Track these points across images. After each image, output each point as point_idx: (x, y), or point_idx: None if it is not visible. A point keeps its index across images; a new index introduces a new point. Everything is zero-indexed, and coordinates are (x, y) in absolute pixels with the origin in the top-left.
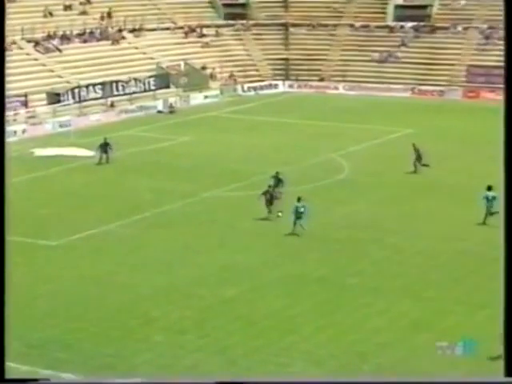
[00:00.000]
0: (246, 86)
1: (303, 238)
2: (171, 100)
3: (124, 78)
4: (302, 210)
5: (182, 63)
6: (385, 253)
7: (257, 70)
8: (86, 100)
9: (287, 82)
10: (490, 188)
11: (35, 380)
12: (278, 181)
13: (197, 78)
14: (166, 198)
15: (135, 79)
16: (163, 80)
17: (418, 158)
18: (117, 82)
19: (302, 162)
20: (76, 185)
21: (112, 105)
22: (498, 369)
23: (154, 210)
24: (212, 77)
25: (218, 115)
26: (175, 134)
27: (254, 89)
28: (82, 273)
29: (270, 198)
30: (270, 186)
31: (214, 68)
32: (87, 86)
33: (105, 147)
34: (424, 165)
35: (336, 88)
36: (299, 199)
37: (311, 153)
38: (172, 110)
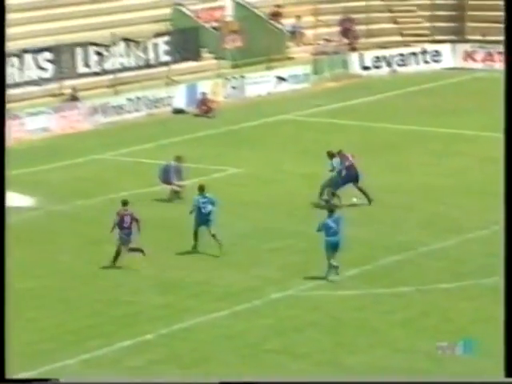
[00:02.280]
0: (368, 55)
1: None
2: (204, 86)
3: (101, 36)
4: (206, 207)
5: (227, 4)
6: None
7: (394, 22)
8: (16, 85)
9: (460, 48)
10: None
11: (45, 380)
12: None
13: (262, 39)
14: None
15: (126, 40)
16: (187, 42)
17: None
18: (85, 45)
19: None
20: None
21: (74, 96)
22: (498, 369)
23: None
24: (295, 36)
25: (306, 120)
26: (214, 160)
27: (387, 62)
28: None
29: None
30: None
31: (299, 17)
32: (19, 55)
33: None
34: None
35: None
36: (202, 188)
37: None
38: (208, 109)
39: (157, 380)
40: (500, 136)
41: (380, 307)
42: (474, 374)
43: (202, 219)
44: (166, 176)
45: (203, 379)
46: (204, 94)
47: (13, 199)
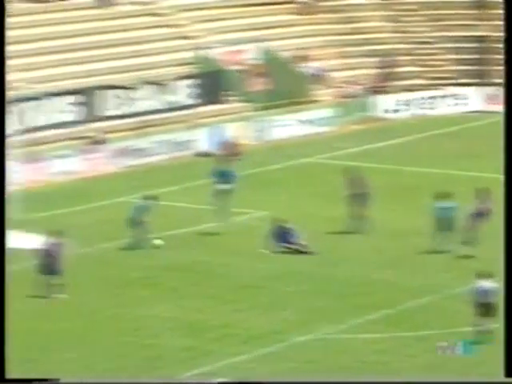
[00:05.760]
0: (393, 98)
1: None
2: (228, 129)
3: (125, 79)
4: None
5: (251, 47)
6: None
7: (419, 65)
8: (41, 128)
9: (484, 91)
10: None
11: (44, 380)
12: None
13: (286, 82)
14: None
15: (150, 83)
16: (212, 85)
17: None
18: (109, 88)
19: None
20: None
21: (98, 139)
22: (498, 369)
23: None
24: (320, 79)
25: (330, 163)
26: (238, 203)
27: (411, 105)
28: None
29: None
30: None
31: (323, 60)
32: (44, 98)
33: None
34: None
35: None
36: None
37: None
38: (232, 152)
39: (157, 380)
40: None
41: (403, 351)
42: (474, 374)
43: None
44: (279, 239)
45: (204, 379)
46: (229, 137)
47: (37, 242)
